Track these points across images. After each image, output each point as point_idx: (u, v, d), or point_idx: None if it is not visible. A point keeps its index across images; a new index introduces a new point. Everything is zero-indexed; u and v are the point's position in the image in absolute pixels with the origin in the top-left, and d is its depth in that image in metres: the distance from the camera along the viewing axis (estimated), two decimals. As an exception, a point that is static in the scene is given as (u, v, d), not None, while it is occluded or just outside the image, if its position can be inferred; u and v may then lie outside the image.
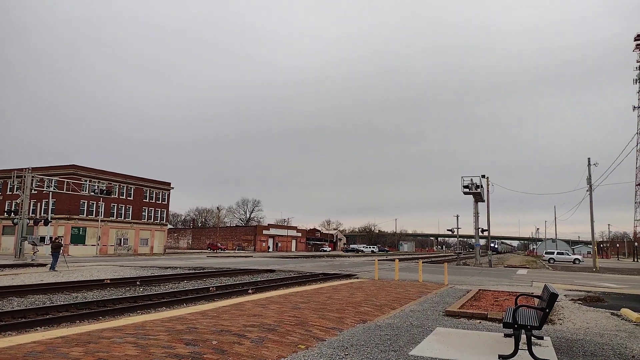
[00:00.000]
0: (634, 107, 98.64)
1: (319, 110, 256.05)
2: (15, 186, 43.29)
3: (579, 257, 60.25)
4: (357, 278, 21.81)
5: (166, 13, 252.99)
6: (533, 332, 6.56)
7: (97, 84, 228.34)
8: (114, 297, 14.54)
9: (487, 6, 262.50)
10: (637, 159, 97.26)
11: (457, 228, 68.95)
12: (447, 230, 71.04)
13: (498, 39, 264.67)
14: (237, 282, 20.88)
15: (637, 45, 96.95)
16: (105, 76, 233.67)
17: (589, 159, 41.64)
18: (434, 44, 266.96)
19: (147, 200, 72.03)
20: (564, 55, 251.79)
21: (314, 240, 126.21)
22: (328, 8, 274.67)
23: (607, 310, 12.16)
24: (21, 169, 43.54)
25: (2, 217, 60.91)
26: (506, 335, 7.83)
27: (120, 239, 66.24)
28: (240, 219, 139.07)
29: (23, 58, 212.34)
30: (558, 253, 60.51)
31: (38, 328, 9.52)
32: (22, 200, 39.32)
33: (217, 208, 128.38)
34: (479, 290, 16.63)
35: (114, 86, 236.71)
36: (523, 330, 6.36)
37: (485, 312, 10.54)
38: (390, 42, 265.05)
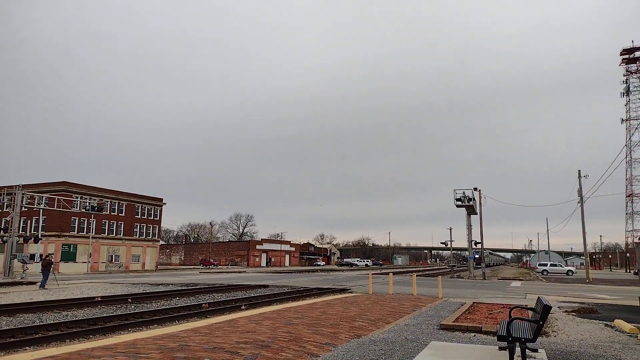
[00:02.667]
0: (622, 119, 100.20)
1: (312, 126, 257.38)
2: (5, 203, 42.83)
3: (572, 268, 60.38)
4: (352, 292, 21.70)
5: (164, 15, 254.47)
6: (527, 344, 6.55)
7: (94, 92, 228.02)
8: (104, 315, 14.34)
9: (477, 21, 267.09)
10: (626, 170, 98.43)
11: (451, 241, 68.83)
12: (441, 243, 71.05)
13: (489, 52, 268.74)
14: (230, 298, 20.68)
15: (624, 59, 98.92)
16: (101, 84, 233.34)
17: (579, 171, 42.15)
18: (429, 58, 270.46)
19: (139, 217, 71.49)
20: (553, 68, 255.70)
21: (307, 254, 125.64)
22: (326, 28, 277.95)
23: (600, 322, 12.18)
24: (11, 186, 43.15)
25: (-9, 234, 60.18)
26: (501, 348, 7.80)
27: (112, 256, 65.52)
28: (233, 234, 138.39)
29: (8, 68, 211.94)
30: (551, 265, 60.61)
31: (27, 348, 9.35)
32: (12, 218, 38.88)
33: (210, 223, 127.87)
34: (473, 303, 16.61)
35: (109, 95, 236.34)
36: (517, 343, 6.36)
37: (480, 325, 10.52)
38: (386, 54, 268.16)
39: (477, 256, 48.41)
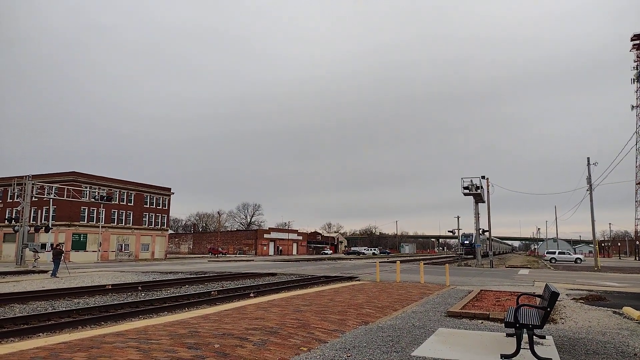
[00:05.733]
0: (632, 106, 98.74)
1: (320, 115, 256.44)
2: (16, 194, 43.30)
3: (581, 256, 60.17)
4: (359, 280, 21.79)
5: (170, 7, 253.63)
6: (535, 331, 6.56)
7: (102, 83, 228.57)
8: (115, 302, 14.54)
9: (482, 9, 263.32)
10: (636, 157, 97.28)
11: (458, 229, 68.79)
12: (448, 231, 70.93)
13: (500, 40, 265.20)
14: (239, 285, 20.87)
15: (634, 45, 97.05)
16: (109, 76, 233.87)
17: (588, 158, 41.70)
18: (434, 48, 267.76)
19: (148, 206, 72.05)
20: (561, 56, 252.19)
21: (315, 243, 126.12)
22: (331, 19, 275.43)
23: (609, 309, 12.16)
24: (21, 177, 43.55)
25: (2, 224, 60.90)
26: (508, 335, 7.83)
27: (121, 245, 66.22)
28: (241, 223, 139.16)
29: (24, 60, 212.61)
30: (559, 253, 60.41)
31: (40, 334, 9.52)
32: (23, 208, 39.32)
33: (218, 213, 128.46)
34: (481, 290, 16.62)
35: (117, 86, 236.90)
36: (525, 330, 6.37)
37: (487, 312, 10.54)
38: (391, 45, 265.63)
39: (467, 242, 47.88)
